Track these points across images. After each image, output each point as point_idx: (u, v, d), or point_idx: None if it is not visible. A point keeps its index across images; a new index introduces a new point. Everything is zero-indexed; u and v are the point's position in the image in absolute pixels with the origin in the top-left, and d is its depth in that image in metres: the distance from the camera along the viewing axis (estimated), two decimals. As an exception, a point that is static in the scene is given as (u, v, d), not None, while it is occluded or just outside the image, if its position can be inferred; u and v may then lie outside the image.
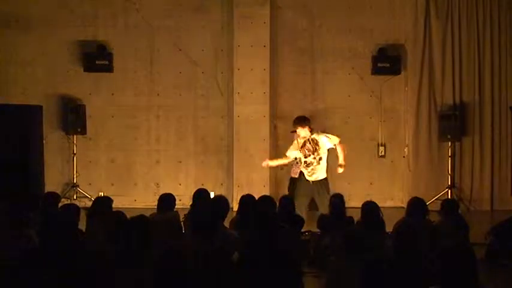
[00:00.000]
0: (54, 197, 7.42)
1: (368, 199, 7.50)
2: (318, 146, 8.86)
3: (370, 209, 6.81)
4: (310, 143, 8.89)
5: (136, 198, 11.30)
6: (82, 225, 6.33)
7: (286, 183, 11.56)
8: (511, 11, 11.44)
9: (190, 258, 4.79)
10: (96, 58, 11.16)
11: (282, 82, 11.58)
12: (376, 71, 11.42)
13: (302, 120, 9.02)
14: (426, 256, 5.45)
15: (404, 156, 11.68)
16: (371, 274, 4.12)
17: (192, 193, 7.64)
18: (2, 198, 8.13)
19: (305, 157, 8.89)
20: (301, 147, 8.91)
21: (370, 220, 6.66)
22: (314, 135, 8.92)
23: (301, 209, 8.42)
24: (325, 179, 8.92)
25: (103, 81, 11.43)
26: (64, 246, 5.37)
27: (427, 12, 11.37)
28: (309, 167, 8.87)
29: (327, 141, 8.91)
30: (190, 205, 7.49)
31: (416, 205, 6.76)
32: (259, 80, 11.18)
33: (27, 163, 9.46)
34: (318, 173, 8.87)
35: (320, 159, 8.88)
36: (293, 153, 9.08)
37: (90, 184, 11.42)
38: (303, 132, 8.91)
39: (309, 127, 8.97)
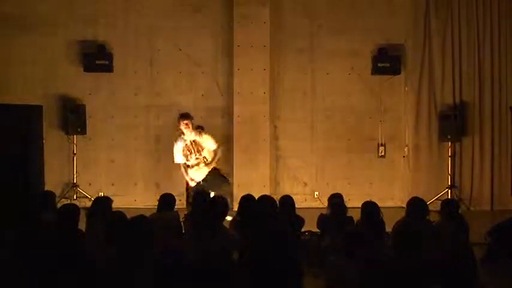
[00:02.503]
0: (52, 196, 7.42)
1: (368, 199, 7.49)
2: (201, 146, 9.01)
3: (370, 209, 6.81)
4: (191, 144, 9.10)
5: (136, 198, 11.30)
6: (82, 225, 6.32)
7: (287, 183, 11.62)
8: (511, 11, 11.45)
9: (190, 259, 4.79)
10: (96, 58, 11.15)
11: (282, 82, 11.58)
12: (376, 71, 11.43)
13: (188, 117, 9.13)
14: (426, 256, 5.45)
15: (404, 156, 11.68)
16: (371, 274, 4.12)
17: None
18: (1, 197, 8.16)
19: (187, 160, 9.12)
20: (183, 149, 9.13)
21: (370, 220, 6.66)
22: (196, 137, 9.09)
23: None
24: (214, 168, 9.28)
25: (103, 81, 11.43)
26: (65, 246, 5.37)
27: (427, 12, 11.37)
28: (193, 167, 9.10)
29: (210, 143, 9.18)
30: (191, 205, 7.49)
31: (416, 205, 6.75)
32: (259, 80, 11.18)
33: (27, 163, 9.45)
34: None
35: (204, 158, 9.15)
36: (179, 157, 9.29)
37: (90, 184, 11.42)
38: (187, 131, 9.08)
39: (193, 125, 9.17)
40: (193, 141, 9.07)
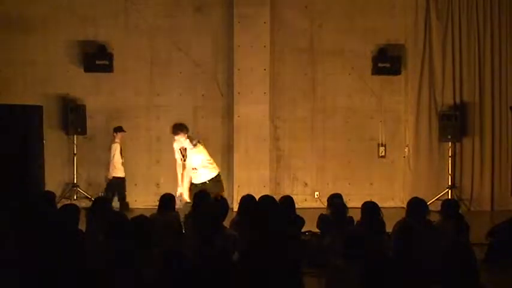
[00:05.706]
0: (52, 196, 7.43)
1: (368, 199, 7.50)
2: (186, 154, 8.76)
3: (370, 209, 6.81)
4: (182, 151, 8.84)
5: (136, 198, 11.30)
6: (82, 225, 6.32)
7: (287, 183, 11.63)
8: (511, 11, 11.45)
9: (190, 259, 4.79)
10: (96, 58, 11.15)
11: (282, 82, 11.58)
12: (376, 71, 11.43)
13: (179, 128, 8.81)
14: (426, 256, 5.45)
15: (404, 157, 11.68)
16: (371, 274, 4.12)
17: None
18: (1, 197, 8.15)
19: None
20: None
21: (370, 220, 6.66)
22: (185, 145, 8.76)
23: None
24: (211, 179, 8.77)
25: (103, 81, 11.42)
26: (64, 246, 5.37)
27: (427, 12, 11.38)
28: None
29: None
30: (191, 205, 7.49)
31: (416, 205, 6.74)
32: (259, 80, 11.19)
33: (27, 163, 9.45)
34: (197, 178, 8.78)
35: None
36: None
37: (90, 184, 11.42)
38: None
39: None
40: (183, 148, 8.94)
